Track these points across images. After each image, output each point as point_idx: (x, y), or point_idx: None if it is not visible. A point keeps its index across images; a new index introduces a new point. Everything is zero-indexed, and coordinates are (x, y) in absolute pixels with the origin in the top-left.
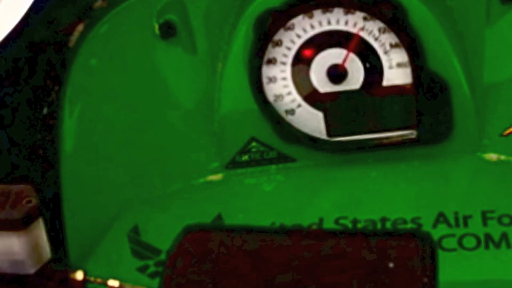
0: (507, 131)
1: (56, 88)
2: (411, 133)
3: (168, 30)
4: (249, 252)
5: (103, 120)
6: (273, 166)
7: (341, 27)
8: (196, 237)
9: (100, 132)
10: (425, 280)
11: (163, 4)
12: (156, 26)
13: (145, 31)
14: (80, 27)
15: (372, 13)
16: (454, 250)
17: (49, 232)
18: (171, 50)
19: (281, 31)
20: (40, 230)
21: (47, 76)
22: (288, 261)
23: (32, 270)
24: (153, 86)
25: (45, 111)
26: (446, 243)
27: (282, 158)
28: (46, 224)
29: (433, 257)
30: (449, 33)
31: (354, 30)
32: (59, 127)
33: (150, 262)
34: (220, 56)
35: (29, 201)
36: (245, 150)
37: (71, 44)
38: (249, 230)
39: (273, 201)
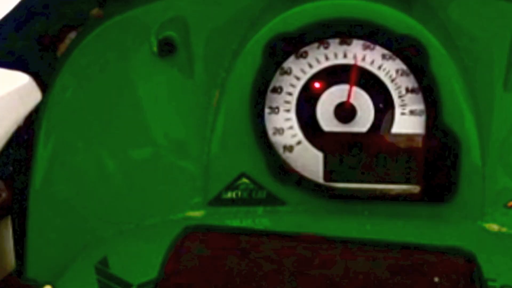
0: (511, 203)
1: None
2: (414, 188)
3: (166, 48)
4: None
5: (80, 143)
6: (261, 208)
7: (358, 62)
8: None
9: (76, 151)
10: None
11: (165, 20)
12: (154, 42)
13: (141, 47)
14: (72, 35)
15: (393, 51)
16: None
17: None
18: (167, 70)
19: (292, 58)
20: (7, 237)
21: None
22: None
23: None
24: (140, 108)
25: None
26: None
27: (271, 200)
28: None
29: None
30: (466, 89)
31: (372, 68)
32: (34, 141)
33: None
34: (217, 83)
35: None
36: (232, 186)
37: (59, 52)
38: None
39: None
